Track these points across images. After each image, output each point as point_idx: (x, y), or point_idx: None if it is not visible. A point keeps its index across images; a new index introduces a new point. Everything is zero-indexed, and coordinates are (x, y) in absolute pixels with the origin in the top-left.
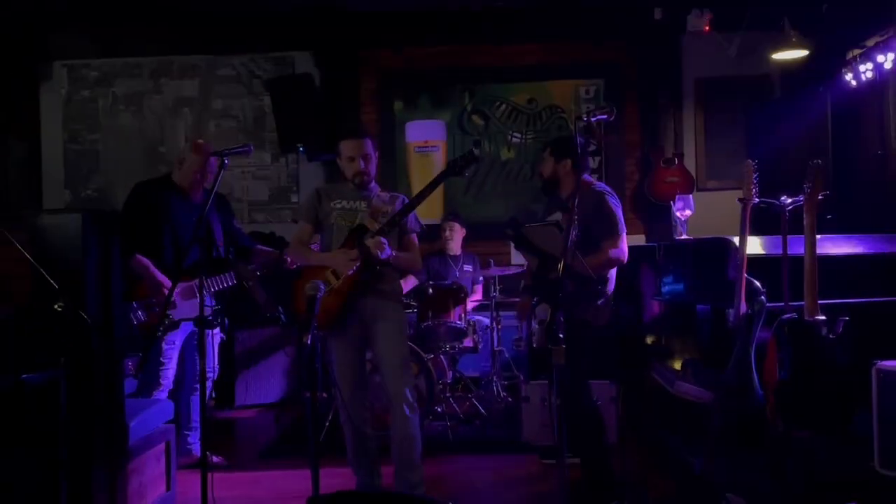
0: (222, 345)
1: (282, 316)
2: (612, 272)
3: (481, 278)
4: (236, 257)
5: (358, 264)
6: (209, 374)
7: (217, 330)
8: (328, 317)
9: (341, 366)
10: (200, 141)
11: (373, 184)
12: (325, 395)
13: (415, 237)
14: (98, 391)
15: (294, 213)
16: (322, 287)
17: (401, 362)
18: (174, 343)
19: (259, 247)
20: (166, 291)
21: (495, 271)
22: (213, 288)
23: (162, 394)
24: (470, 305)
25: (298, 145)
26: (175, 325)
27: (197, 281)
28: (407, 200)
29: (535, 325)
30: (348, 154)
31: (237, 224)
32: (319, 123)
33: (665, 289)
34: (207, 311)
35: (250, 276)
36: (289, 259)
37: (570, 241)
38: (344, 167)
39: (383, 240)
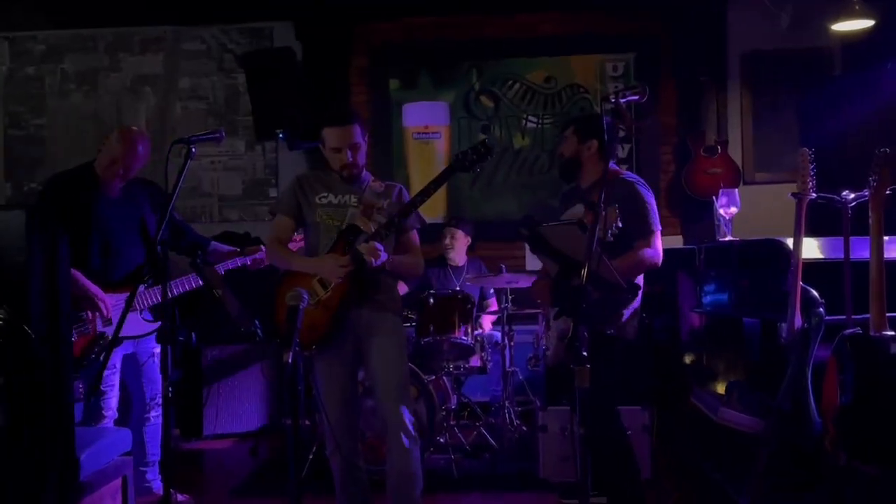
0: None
1: (258, 330)
2: (640, 278)
3: (492, 290)
4: (203, 260)
5: (349, 271)
6: (156, 401)
7: (159, 348)
8: (314, 333)
9: (328, 387)
10: (133, 128)
11: (364, 173)
12: (308, 422)
13: (415, 235)
14: (44, 417)
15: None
16: (306, 297)
17: (399, 384)
18: (114, 367)
19: (215, 244)
20: (101, 304)
21: (507, 279)
22: (154, 300)
23: (108, 425)
24: (488, 321)
25: (277, 131)
26: (117, 342)
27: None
28: (405, 191)
29: (550, 338)
30: (333, 144)
31: (179, 216)
32: (302, 105)
33: (706, 299)
34: (148, 328)
35: (219, 283)
36: (249, 261)
37: (595, 243)
38: (329, 158)
39: (379, 245)
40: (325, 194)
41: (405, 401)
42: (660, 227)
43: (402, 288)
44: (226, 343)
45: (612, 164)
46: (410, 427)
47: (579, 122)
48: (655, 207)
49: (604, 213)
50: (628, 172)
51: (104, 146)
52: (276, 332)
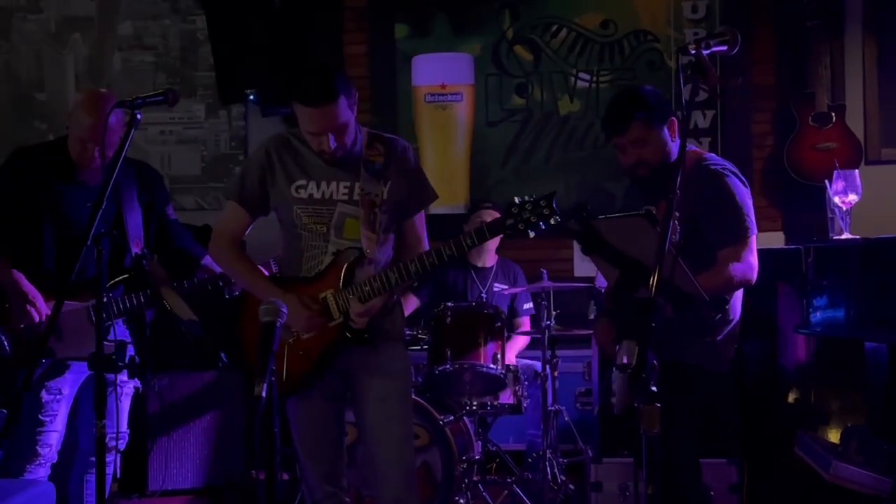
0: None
1: (222, 356)
2: (738, 291)
3: (527, 305)
4: (159, 265)
5: (337, 322)
6: (113, 443)
7: (126, 376)
8: (289, 380)
9: (307, 432)
10: (103, 90)
11: (357, 145)
12: (286, 475)
13: (422, 219)
14: None
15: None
16: (284, 311)
17: (400, 436)
18: (60, 393)
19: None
20: (35, 314)
21: (548, 285)
22: (121, 309)
23: (41, 470)
24: (515, 348)
25: (247, 91)
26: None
27: (93, 302)
28: (410, 151)
29: (615, 379)
30: (307, 128)
31: (174, 215)
32: (279, 58)
33: (815, 317)
34: (110, 347)
35: (171, 295)
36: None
37: (668, 241)
38: (305, 136)
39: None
40: (303, 182)
41: (407, 458)
42: (756, 232)
43: (413, 302)
44: (179, 370)
45: (690, 146)
46: (413, 491)
47: (643, 104)
48: (752, 205)
49: (677, 204)
50: (712, 156)
51: (70, 120)
52: (244, 358)
